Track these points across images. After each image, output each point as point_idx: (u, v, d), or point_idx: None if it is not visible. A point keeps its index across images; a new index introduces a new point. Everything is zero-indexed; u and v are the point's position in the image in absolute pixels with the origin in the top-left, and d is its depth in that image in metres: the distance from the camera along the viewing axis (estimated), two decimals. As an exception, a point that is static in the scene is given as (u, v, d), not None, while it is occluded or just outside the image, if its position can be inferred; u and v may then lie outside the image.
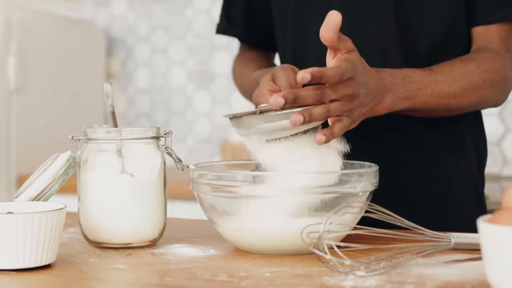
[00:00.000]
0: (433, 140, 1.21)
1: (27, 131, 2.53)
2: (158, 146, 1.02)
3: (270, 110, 0.94)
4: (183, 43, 2.94)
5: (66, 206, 0.89)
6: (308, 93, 0.91)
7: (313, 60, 1.06)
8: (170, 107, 2.96)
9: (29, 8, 2.72)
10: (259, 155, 0.98)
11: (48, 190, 0.98)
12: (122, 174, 0.98)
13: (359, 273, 0.81)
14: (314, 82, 0.91)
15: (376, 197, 0.97)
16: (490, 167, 2.08)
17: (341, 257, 0.81)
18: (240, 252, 0.96)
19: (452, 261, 0.89)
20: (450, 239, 0.92)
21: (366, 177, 0.94)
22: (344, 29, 0.96)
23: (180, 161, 1.03)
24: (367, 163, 1.00)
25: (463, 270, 0.84)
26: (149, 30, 3.00)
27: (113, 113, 1.00)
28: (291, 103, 0.90)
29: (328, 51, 0.98)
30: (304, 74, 0.89)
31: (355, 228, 0.92)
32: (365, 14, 1.19)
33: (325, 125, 0.97)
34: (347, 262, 0.81)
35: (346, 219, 0.92)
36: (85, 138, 1.00)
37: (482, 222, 0.68)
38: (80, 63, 2.82)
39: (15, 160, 2.47)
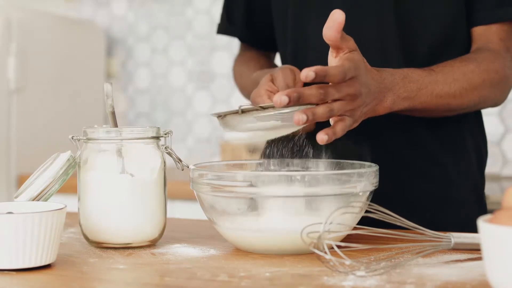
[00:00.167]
0: (433, 140, 1.21)
1: (27, 131, 2.53)
2: (158, 146, 1.02)
3: (252, 110, 0.94)
4: (183, 43, 2.94)
5: (66, 206, 0.89)
6: (312, 92, 0.91)
7: (313, 60, 1.06)
8: (170, 107, 2.95)
9: (29, 8, 2.72)
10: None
11: (48, 190, 0.98)
12: (122, 174, 0.98)
13: (359, 273, 0.81)
14: (317, 81, 0.91)
15: (376, 197, 0.97)
16: (490, 167, 2.08)
17: (341, 257, 0.81)
18: (240, 252, 0.96)
19: (452, 261, 0.89)
20: (450, 239, 0.92)
21: (366, 177, 0.94)
22: (344, 29, 0.96)
23: (180, 161, 1.03)
24: (367, 163, 1.01)
25: (463, 270, 0.84)
26: (149, 30, 3.00)
27: (113, 113, 1.00)
28: (295, 101, 0.90)
29: (330, 50, 0.98)
30: (308, 72, 0.89)
31: (355, 228, 0.92)
32: (365, 14, 1.19)
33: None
34: (347, 262, 0.81)
35: (346, 219, 0.92)
36: (85, 138, 1.00)
37: (482, 222, 0.68)
38: (80, 63, 2.82)
39: (15, 160, 2.47)
